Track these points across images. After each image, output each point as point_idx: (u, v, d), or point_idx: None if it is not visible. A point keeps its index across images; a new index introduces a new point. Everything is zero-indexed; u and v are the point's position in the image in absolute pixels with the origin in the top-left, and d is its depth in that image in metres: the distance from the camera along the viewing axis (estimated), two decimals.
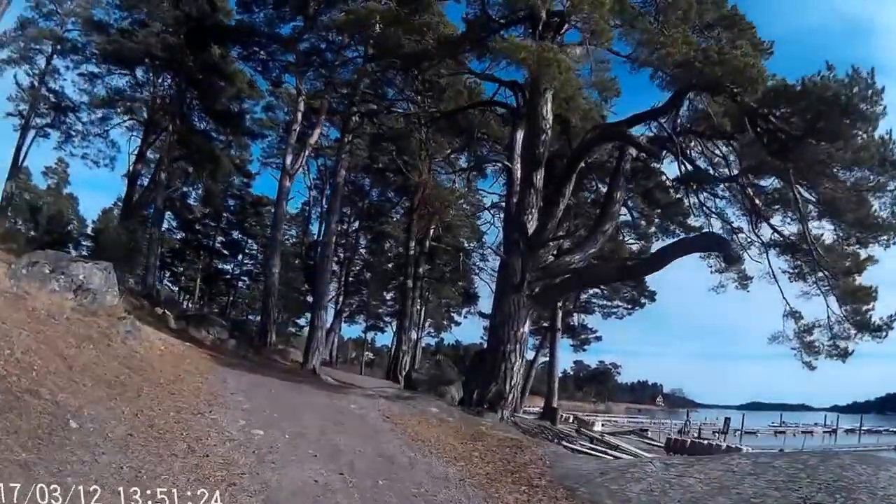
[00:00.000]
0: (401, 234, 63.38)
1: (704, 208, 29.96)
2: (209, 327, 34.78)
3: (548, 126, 27.48)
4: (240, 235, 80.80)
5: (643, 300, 59.56)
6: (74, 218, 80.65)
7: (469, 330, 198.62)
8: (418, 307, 59.43)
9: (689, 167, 25.98)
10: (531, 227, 26.10)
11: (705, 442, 44.86)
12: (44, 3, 46.75)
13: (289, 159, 43.07)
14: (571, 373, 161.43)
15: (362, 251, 75.19)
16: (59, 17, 47.57)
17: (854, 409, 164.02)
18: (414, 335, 57.13)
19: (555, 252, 28.32)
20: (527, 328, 25.80)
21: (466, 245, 64.93)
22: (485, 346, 30.67)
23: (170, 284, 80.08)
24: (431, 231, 55.96)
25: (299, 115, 43.91)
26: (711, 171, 28.02)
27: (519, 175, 28.20)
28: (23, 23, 46.48)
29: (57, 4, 47.59)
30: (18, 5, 46.21)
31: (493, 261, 59.82)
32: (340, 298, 71.41)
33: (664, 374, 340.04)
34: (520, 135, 29.20)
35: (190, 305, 73.88)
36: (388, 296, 79.94)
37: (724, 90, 22.80)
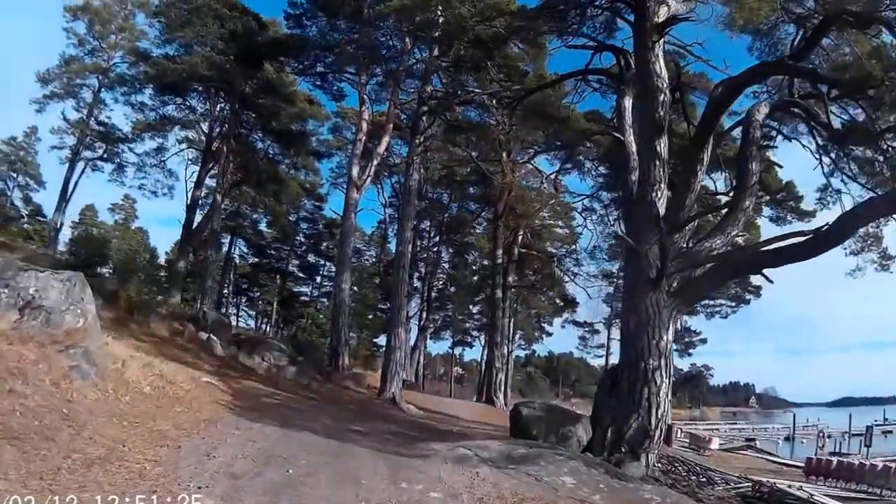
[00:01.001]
0: (485, 245, 57.76)
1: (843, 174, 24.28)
2: (265, 353, 28.38)
3: (664, 85, 20.83)
4: (315, 258, 74.17)
5: (748, 296, 56.29)
6: (146, 251, 75.38)
7: (562, 339, 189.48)
8: (508, 319, 53.02)
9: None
10: (661, 205, 19.19)
11: (856, 461, 35.94)
12: (87, 40, 47.07)
13: (355, 170, 38.54)
14: None
15: (445, 265, 68.72)
16: (104, 51, 47.47)
17: None
18: (506, 349, 49.69)
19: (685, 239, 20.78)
20: (671, 336, 17.93)
21: (557, 250, 58.77)
22: (615, 362, 22.68)
23: (247, 309, 77.03)
24: (519, 238, 50.70)
25: (364, 125, 39.68)
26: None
27: (634, 148, 21.48)
28: (66, 60, 45.95)
29: (101, 40, 47.00)
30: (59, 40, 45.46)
31: (588, 265, 56.83)
32: (424, 314, 64.63)
33: (754, 373, 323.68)
34: (628, 102, 23.04)
35: (268, 329, 70.04)
36: (475, 309, 73.92)
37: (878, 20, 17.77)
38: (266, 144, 49.95)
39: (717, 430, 68.80)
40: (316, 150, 55.71)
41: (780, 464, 33.25)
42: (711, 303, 57.30)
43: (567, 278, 54.91)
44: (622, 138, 22.27)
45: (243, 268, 71.64)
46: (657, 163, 19.64)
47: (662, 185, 19.54)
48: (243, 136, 46.79)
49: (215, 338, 27.29)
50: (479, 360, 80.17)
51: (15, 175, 64.57)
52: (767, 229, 38.53)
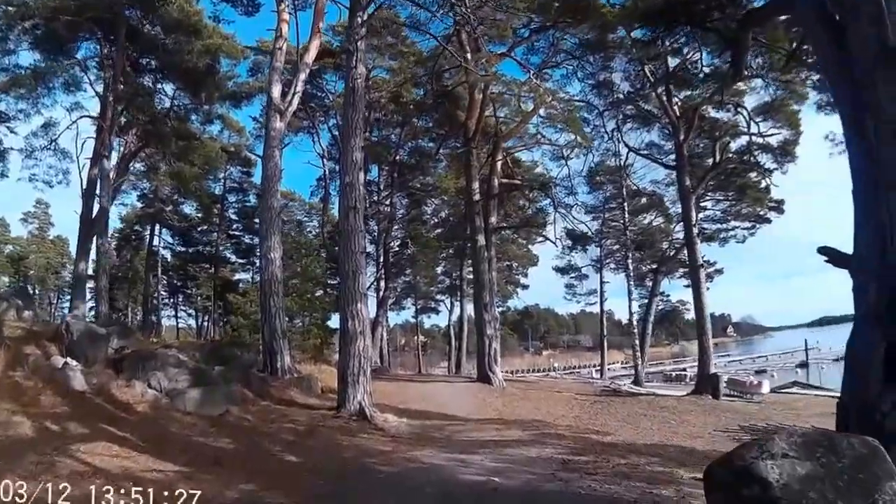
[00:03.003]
0: (450, 184, 49.29)
1: None
2: (155, 372, 17.87)
3: None
4: (252, 238, 61.04)
5: (769, 214, 50.69)
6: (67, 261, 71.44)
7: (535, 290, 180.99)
8: (495, 271, 42.01)
9: None
10: None
11: None
12: None
13: (276, 90, 28.26)
14: (639, 317, 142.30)
15: (400, 220, 58.21)
16: None
17: None
18: (496, 311, 39.06)
19: None
20: None
21: (549, 174, 48.58)
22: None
23: (185, 308, 70.51)
24: (498, 165, 40.04)
25: (284, 27, 29.74)
26: None
27: None
28: None
29: None
30: None
31: (584, 193, 50.97)
32: (382, 284, 54.33)
33: (730, 303, 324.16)
34: None
35: (209, 329, 62.17)
36: (440, 269, 65.78)
37: None
38: (172, 95, 42.70)
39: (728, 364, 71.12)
40: (233, 92, 46.26)
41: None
42: (722, 227, 52.52)
43: (562, 212, 44.88)
44: None
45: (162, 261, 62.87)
46: None
47: None
48: (142, 88, 39.91)
49: (74, 362, 16.75)
50: (445, 325, 75.32)
51: None
52: None
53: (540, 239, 59.04)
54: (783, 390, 38.28)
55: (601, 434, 18.98)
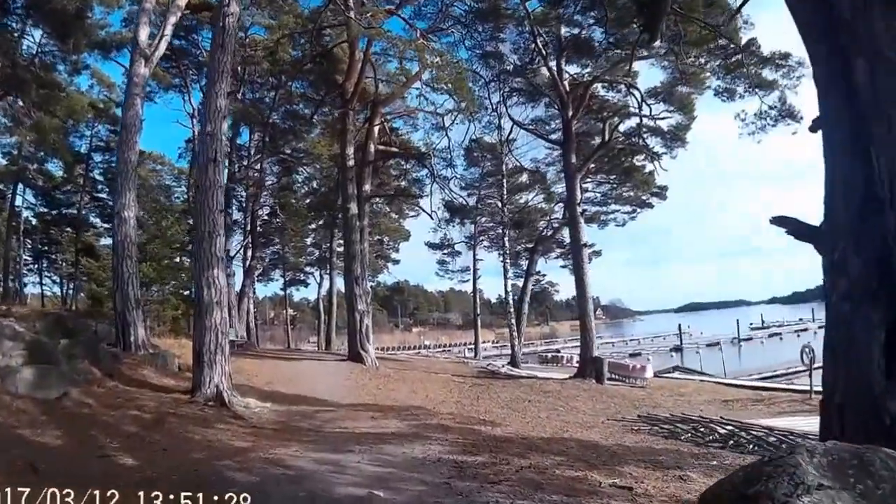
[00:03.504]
0: (323, 150, 47.04)
1: None
2: None
3: None
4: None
5: (651, 200, 51.26)
6: None
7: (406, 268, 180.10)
8: (367, 242, 40.09)
9: None
10: None
11: None
12: None
13: (143, 32, 25.41)
14: (512, 296, 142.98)
15: (270, 187, 55.43)
16: None
17: (795, 299, 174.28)
18: (368, 284, 36.75)
19: None
20: None
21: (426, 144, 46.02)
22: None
23: (50, 275, 64.57)
24: (375, 130, 37.77)
25: None
26: None
27: None
28: None
29: None
30: None
31: (462, 170, 51.15)
32: (249, 253, 51.49)
33: (598, 286, 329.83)
34: None
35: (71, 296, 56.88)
36: (309, 240, 63.59)
37: None
38: (38, 41, 39.96)
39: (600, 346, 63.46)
40: (103, 40, 42.27)
41: (759, 388, 30.50)
42: (603, 209, 52.35)
43: (439, 184, 43.04)
44: None
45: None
46: None
47: None
48: (6, 28, 36.37)
49: None
50: (314, 299, 70.66)
51: None
52: None
53: (413, 213, 58.66)
54: (665, 374, 38.68)
55: (489, 424, 17.21)
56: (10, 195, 53.60)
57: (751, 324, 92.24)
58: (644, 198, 50.41)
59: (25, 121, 41.77)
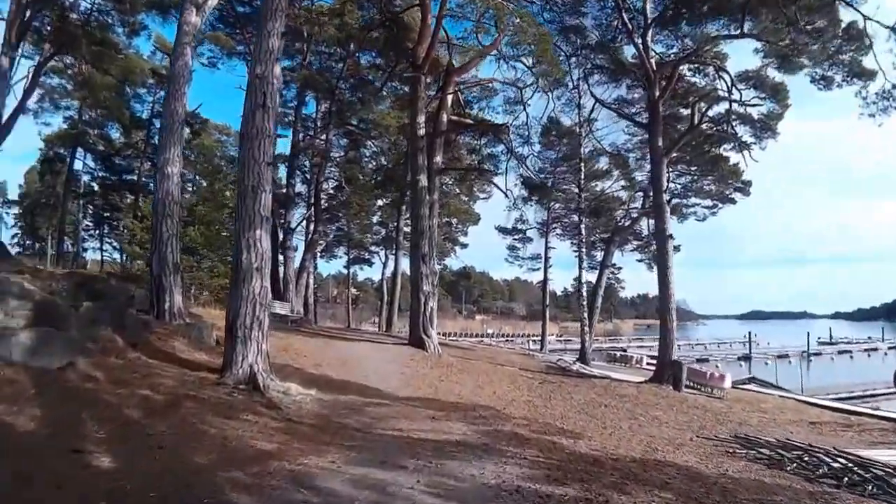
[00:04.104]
0: (392, 122, 44.45)
1: None
2: None
3: None
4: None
5: (733, 194, 47.68)
6: None
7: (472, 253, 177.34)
8: (436, 219, 36.06)
9: None
10: None
11: None
12: None
13: None
14: (572, 290, 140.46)
15: (336, 162, 52.81)
16: None
17: (859, 316, 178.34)
18: (435, 265, 34.22)
19: None
20: None
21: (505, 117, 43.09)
22: None
23: (111, 241, 63.84)
24: (448, 100, 34.51)
25: None
26: None
27: None
28: None
29: None
30: None
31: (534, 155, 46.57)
32: (311, 227, 49.20)
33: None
34: None
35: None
36: (375, 218, 61.24)
37: None
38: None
39: (652, 347, 62.36)
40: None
41: (847, 412, 26.80)
42: (684, 201, 48.58)
43: (514, 163, 40.47)
44: None
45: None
46: None
47: None
48: None
49: None
50: (378, 280, 72.30)
51: None
52: None
53: (483, 195, 56.90)
54: (741, 386, 35.48)
55: (569, 436, 14.50)
56: (68, 159, 52.47)
57: (818, 338, 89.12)
58: (726, 192, 47.21)
59: (78, 79, 40.86)
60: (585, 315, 43.90)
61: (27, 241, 72.35)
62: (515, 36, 31.52)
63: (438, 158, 34.01)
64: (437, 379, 22.02)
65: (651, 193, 39.53)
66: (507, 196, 40.27)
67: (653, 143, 32.53)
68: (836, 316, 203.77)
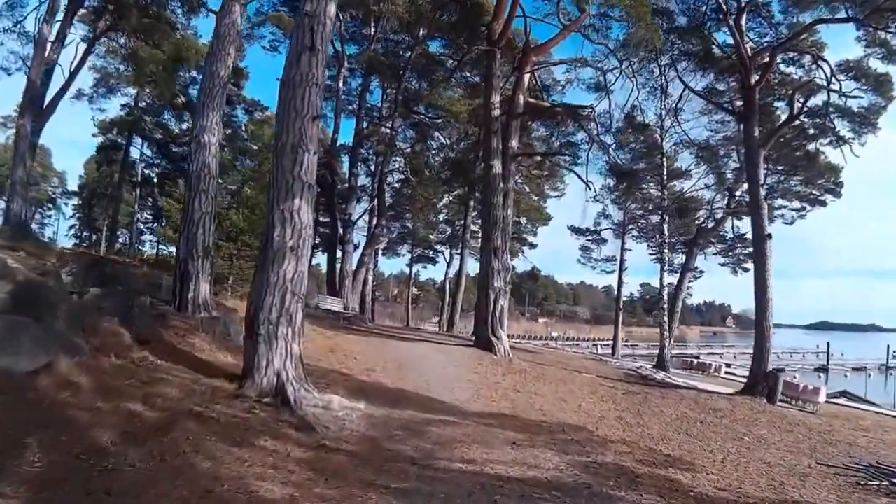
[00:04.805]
0: (462, 109, 40.61)
1: None
2: None
3: None
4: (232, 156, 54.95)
5: (824, 196, 43.10)
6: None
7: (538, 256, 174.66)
8: (510, 209, 31.93)
9: None
10: None
11: None
12: None
13: None
14: (638, 296, 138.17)
15: (402, 148, 48.69)
16: None
17: None
18: (508, 259, 30.90)
19: None
20: None
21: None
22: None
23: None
24: (525, 80, 31.35)
25: None
26: None
27: None
28: None
29: None
30: None
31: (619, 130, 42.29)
32: (374, 220, 46.01)
33: (731, 294, 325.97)
34: None
35: None
36: (441, 217, 59.30)
37: None
38: None
39: (723, 354, 68.05)
40: None
41: None
42: (770, 202, 41.50)
43: (596, 152, 37.53)
44: None
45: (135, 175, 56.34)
46: None
47: None
48: None
49: None
50: (441, 280, 69.64)
51: None
52: None
53: (555, 193, 54.87)
54: (832, 400, 31.93)
55: (681, 467, 11.71)
56: (124, 147, 50.66)
57: (894, 351, 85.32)
58: (817, 193, 43.00)
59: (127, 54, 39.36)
60: (666, 320, 41.21)
61: (84, 233, 71.02)
62: (605, 3, 28.39)
63: (514, 143, 30.63)
64: (513, 388, 18.70)
65: (735, 193, 38.38)
66: (588, 188, 36.47)
67: (748, 133, 29.33)
68: None
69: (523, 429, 12.74)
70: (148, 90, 45.73)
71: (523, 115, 31.94)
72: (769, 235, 27.84)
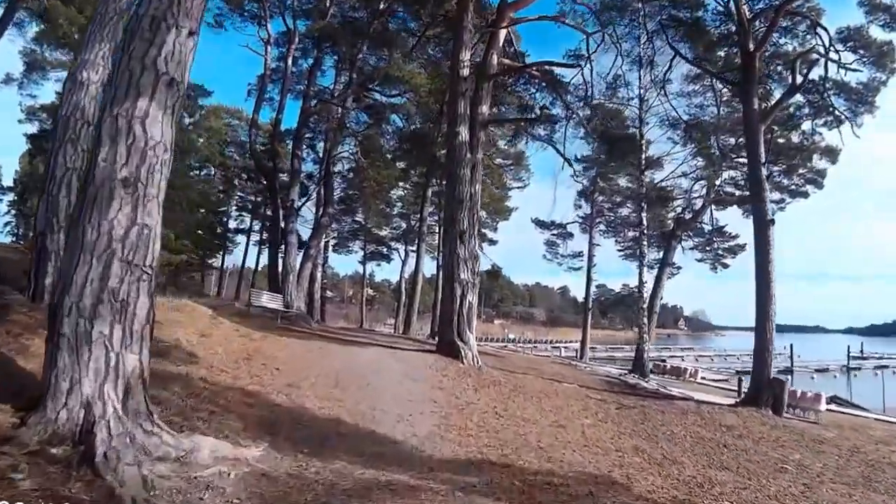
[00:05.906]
0: (422, 81, 36.94)
1: None
2: None
3: None
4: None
5: (805, 187, 41.18)
6: None
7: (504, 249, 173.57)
8: (479, 185, 26.11)
9: None
10: None
11: None
12: None
13: None
14: (594, 297, 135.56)
15: (354, 131, 44.10)
16: None
17: (873, 331, 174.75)
18: (478, 250, 26.08)
19: None
20: None
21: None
22: None
23: None
24: (501, 37, 26.88)
25: None
26: None
27: None
28: None
29: None
30: None
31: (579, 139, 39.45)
32: (321, 209, 40.96)
33: (682, 295, 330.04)
34: None
35: None
36: (395, 210, 55.81)
37: None
38: None
39: (684, 357, 68.97)
40: None
41: None
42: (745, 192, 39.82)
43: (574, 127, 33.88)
44: None
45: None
46: None
47: None
48: None
49: None
50: (396, 280, 62.67)
51: None
52: None
53: (518, 185, 52.05)
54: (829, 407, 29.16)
55: None
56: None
57: (857, 352, 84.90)
58: (798, 184, 40.59)
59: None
60: (644, 321, 37.02)
61: (20, 230, 66.88)
62: None
63: (484, 108, 25.75)
64: (492, 412, 13.64)
65: (716, 182, 36.97)
66: (569, 164, 32.58)
67: (747, 104, 25.57)
68: (850, 331, 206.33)
69: (528, 493, 7.69)
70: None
71: (497, 75, 27.40)
72: (772, 221, 24.14)
